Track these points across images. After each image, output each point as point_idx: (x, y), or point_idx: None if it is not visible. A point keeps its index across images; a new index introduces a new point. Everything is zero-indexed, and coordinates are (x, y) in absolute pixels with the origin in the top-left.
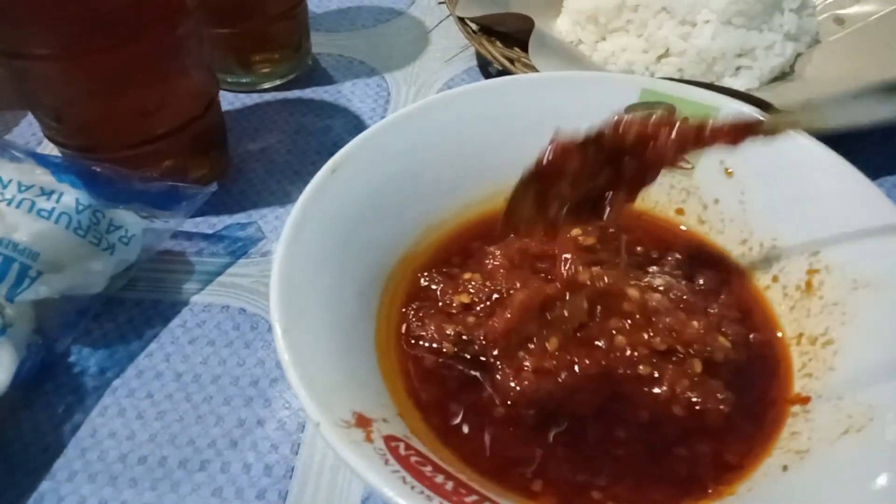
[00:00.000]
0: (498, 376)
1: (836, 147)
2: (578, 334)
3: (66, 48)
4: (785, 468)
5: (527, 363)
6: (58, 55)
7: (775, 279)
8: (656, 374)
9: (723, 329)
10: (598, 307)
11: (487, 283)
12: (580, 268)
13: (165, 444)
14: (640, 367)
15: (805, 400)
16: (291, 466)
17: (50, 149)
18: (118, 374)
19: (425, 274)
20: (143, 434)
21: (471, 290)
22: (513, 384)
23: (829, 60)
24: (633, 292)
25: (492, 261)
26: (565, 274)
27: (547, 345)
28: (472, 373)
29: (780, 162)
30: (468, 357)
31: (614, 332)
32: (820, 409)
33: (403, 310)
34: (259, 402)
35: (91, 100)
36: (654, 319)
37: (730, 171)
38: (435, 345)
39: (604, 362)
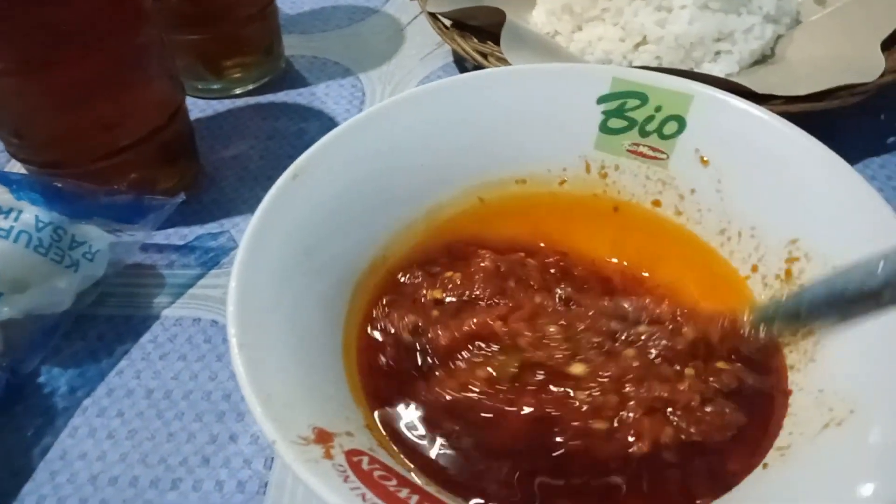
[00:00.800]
0: (436, 373)
1: (817, 129)
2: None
3: (19, 62)
4: (765, 466)
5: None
6: (11, 69)
7: (755, 269)
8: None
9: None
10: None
11: (464, 284)
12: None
13: (136, 464)
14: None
15: (786, 393)
16: (265, 482)
17: (18, 167)
18: (88, 394)
19: (405, 273)
20: (113, 454)
21: (448, 287)
22: (438, 390)
23: (810, 41)
24: (577, 369)
25: (478, 262)
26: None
27: (478, 372)
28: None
29: (757, 148)
30: (419, 348)
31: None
32: (801, 403)
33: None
34: (231, 417)
35: (49, 114)
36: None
37: (705, 159)
38: (392, 331)
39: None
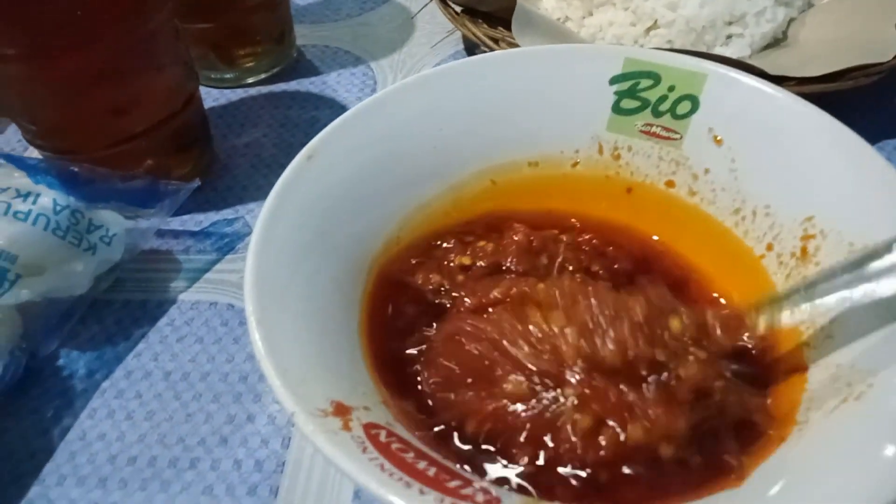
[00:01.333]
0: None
1: (831, 111)
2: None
3: (32, 47)
4: (782, 439)
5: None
6: (24, 55)
7: (770, 247)
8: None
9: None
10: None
11: (494, 255)
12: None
13: (155, 444)
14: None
15: (802, 369)
16: (282, 461)
17: (36, 154)
18: (107, 376)
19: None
20: (132, 435)
21: (479, 255)
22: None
23: (823, 24)
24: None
25: (511, 236)
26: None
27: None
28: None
29: (770, 126)
30: (439, 306)
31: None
32: (817, 379)
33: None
34: (248, 398)
35: (63, 100)
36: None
37: (719, 138)
38: (416, 291)
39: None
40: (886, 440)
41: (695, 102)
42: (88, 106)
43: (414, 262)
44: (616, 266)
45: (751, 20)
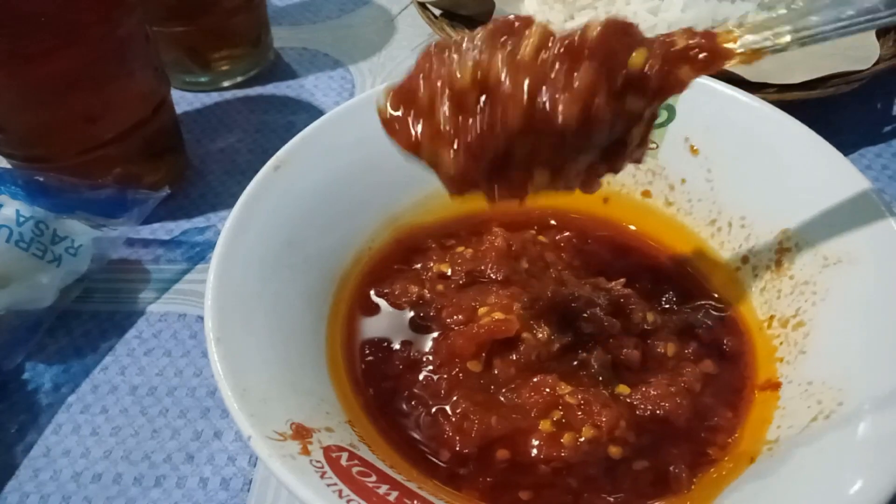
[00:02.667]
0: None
1: (812, 118)
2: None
3: (3, 53)
4: (752, 459)
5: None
6: None
7: (745, 260)
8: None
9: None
10: None
11: (473, 261)
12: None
13: (120, 461)
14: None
15: (776, 385)
16: (249, 479)
17: (3, 163)
18: (73, 390)
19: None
20: (97, 451)
21: (457, 262)
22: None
23: None
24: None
25: (491, 240)
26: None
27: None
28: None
29: (746, 135)
30: (419, 319)
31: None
32: (790, 394)
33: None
34: (216, 413)
35: (32, 107)
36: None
37: (695, 148)
38: (393, 303)
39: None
40: (853, 474)
41: (671, 111)
42: (59, 112)
43: (390, 272)
44: (597, 259)
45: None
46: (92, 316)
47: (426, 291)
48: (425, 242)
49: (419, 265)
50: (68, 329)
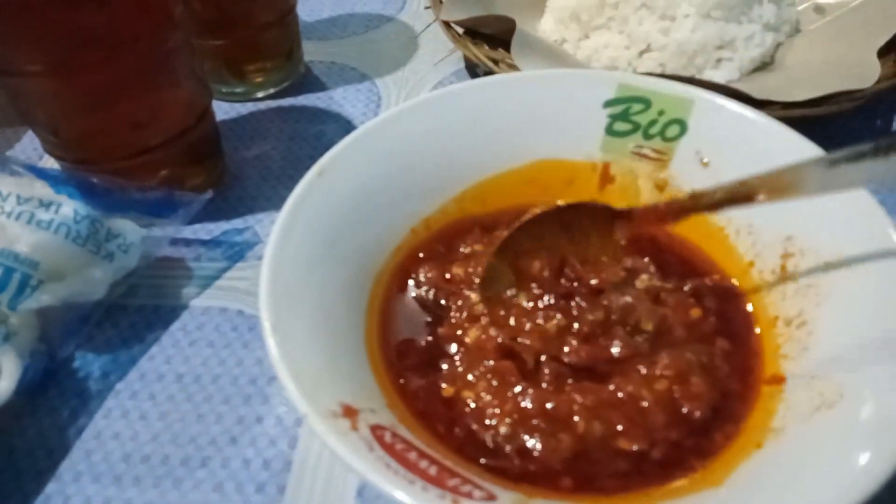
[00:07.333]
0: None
1: (815, 134)
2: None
3: (55, 64)
4: (759, 445)
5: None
6: (48, 71)
7: (751, 265)
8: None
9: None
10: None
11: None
12: None
13: (167, 443)
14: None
15: (780, 380)
16: (289, 460)
17: (51, 163)
18: (121, 378)
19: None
20: (145, 434)
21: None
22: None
23: (810, 48)
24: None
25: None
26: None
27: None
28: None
29: (753, 150)
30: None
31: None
32: (794, 389)
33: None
34: (257, 400)
35: (84, 113)
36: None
37: (705, 161)
38: (420, 298)
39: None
40: (859, 449)
41: (683, 126)
42: (110, 119)
43: (420, 269)
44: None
45: (740, 45)
46: (138, 310)
47: (451, 286)
48: (461, 237)
49: (454, 257)
50: (115, 322)
